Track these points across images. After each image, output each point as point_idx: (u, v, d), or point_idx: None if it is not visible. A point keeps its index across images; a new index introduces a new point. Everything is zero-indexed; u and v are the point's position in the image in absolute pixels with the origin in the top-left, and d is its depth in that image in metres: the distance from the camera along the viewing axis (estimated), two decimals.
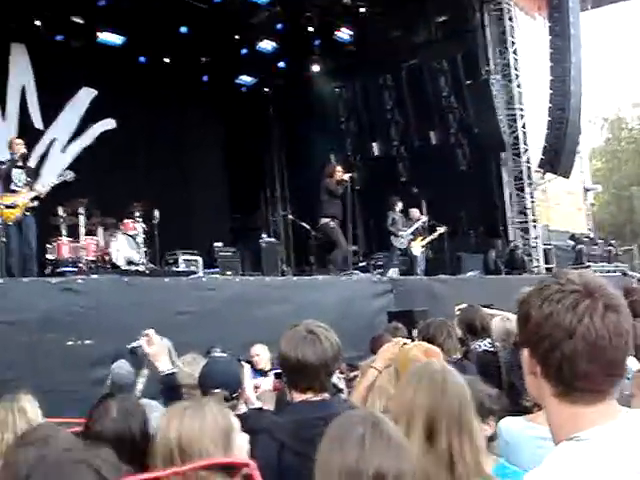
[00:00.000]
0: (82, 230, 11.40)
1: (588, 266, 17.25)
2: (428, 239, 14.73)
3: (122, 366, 4.70)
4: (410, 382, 2.49)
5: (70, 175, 10.40)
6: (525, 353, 1.54)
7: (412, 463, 1.82)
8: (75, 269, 10.56)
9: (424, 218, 14.73)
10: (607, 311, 1.43)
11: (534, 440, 2.93)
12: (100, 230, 11.89)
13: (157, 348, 3.55)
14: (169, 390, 3.48)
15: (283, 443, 2.79)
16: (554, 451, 1.46)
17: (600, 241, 19.94)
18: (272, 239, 15.70)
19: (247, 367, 3.86)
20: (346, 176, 12.43)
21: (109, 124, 16.98)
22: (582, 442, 1.41)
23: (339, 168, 12.59)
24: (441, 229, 14.72)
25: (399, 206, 14.42)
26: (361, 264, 15.98)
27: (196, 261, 13.32)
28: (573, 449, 1.41)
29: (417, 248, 14.44)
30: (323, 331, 2.96)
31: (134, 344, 3.66)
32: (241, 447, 2.34)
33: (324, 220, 12.25)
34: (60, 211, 11.45)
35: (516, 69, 17.95)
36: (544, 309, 1.46)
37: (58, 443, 2.27)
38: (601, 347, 1.42)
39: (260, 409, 3.79)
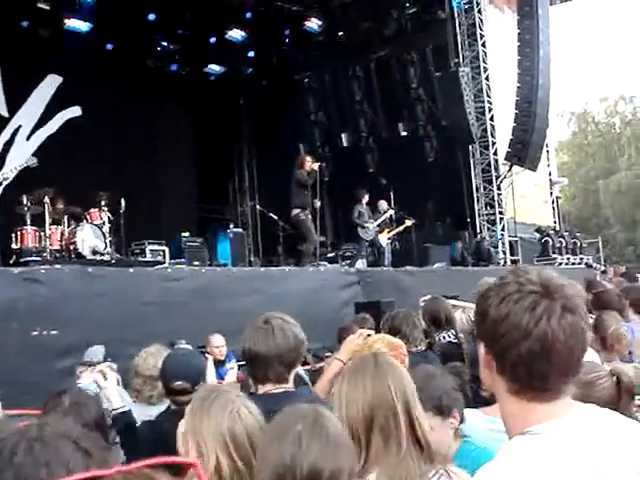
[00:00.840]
0: (47, 219, 11.23)
1: (554, 258, 17.43)
2: (395, 231, 14.77)
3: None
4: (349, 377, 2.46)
5: (33, 161, 10.23)
6: (481, 348, 1.55)
7: (351, 461, 1.82)
8: (39, 259, 10.41)
9: (391, 211, 14.73)
10: (564, 312, 1.44)
11: (493, 434, 2.94)
12: (65, 220, 11.71)
13: (111, 383, 3.51)
14: (124, 427, 3.45)
15: None
16: (507, 445, 1.47)
17: (566, 234, 20.12)
18: (240, 230, 15.63)
19: (210, 359, 3.84)
20: (315, 165, 12.42)
21: (75, 112, 16.76)
22: (535, 436, 1.42)
23: (308, 158, 12.56)
24: (408, 222, 14.76)
25: (365, 198, 14.41)
26: (329, 255, 15.98)
27: (163, 251, 13.22)
28: (526, 443, 1.42)
29: (384, 240, 14.47)
30: (280, 322, 2.97)
31: (86, 384, 3.64)
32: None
33: (294, 211, 12.22)
34: (25, 200, 11.26)
35: (485, 62, 18.03)
36: (502, 309, 1.46)
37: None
38: (557, 349, 1.43)
39: None
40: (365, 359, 2.55)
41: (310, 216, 12.27)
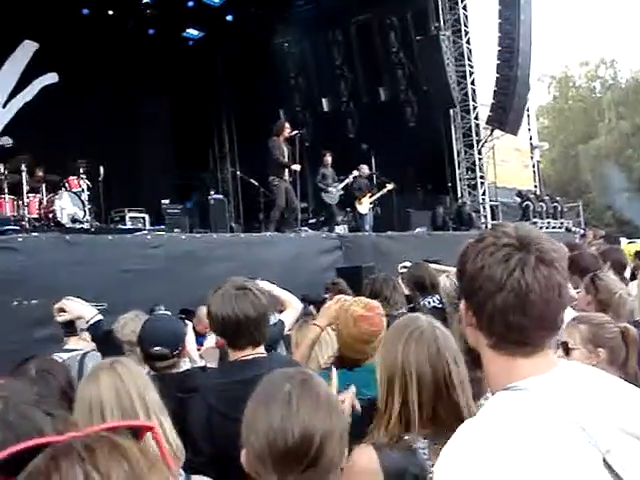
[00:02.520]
0: (25, 188, 11.08)
1: (535, 222, 17.52)
2: (376, 195, 14.72)
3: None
4: (401, 338, 2.40)
5: (8, 142, 10.08)
6: (462, 305, 1.55)
7: (343, 422, 1.79)
8: (18, 228, 10.29)
9: (355, 172, 14.56)
10: (539, 264, 1.43)
11: None
12: (43, 188, 11.57)
13: (71, 306, 3.50)
14: (101, 337, 3.45)
15: (211, 405, 2.79)
16: (490, 400, 1.48)
17: (546, 198, 20.23)
18: (220, 196, 15.52)
19: (190, 325, 3.81)
20: (294, 132, 12.35)
21: (52, 78, 16.52)
22: (518, 392, 1.42)
23: (287, 125, 12.46)
24: (389, 186, 14.70)
25: (329, 160, 14.31)
26: (311, 221, 15.95)
27: (143, 219, 13.13)
28: (509, 399, 1.42)
29: (365, 205, 14.42)
30: (252, 285, 2.97)
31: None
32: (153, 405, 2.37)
33: (270, 177, 12.17)
34: (1, 168, 11.09)
35: (466, 25, 17.95)
36: (477, 262, 1.46)
37: None
38: (531, 300, 1.42)
39: (203, 368, 3.76)
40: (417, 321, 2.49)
41: (288, 182, 12.19)
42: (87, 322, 3.47)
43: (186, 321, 3.89)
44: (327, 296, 6.08)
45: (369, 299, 3.55)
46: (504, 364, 1.48)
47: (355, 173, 14.45)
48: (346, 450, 1.80)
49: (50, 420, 1.26)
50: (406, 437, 2.20)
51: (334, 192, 14.06)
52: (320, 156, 14.43)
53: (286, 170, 12.14)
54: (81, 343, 3.93)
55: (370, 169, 15.12)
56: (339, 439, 1.72)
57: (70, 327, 3.56)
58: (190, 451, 2.73)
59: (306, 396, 1.72)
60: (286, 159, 12.11)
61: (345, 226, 14.35)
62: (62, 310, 3.51)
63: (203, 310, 7.05)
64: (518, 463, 1.30)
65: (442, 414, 2.24)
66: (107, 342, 3.47)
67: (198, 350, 4.13)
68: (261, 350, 3.00)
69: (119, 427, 0.88)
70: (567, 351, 3.13)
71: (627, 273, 6.09)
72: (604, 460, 1.33)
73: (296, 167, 12.27)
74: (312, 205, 18.53)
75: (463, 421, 2.17)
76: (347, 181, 14.33)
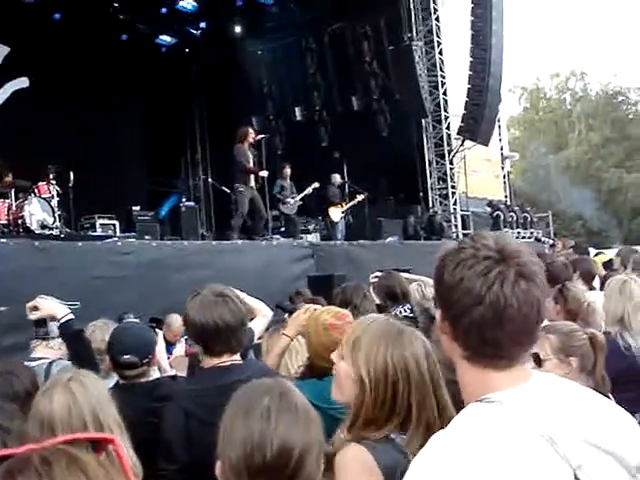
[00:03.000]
0: None
1: (505, 232, 17.62)
2: (348, 205, 14.75)
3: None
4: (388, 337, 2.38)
5: None
6: (438, 314, 1.54)
7: (320, 435, 1.77)
8: None
9: (316, 184, 14.54)
10: (519, 279, 1.42)
11: None
12: (12, 193, 11.44)
13: (44, 304, 3.47)
14: (71, 336, 3.42)
15: (188, 411, 2.76)
16: (463, 412, 1.47)
17: (516, 208, 20.39)
18: (192, 203, 15.47)
19: (160, 334, 3.78)
20: (259, 137, 12.30)
21: (23, 83, 16.35)
22: (491, 404, 1.41)
23: (251, 130, 12.36)
24: (361, 196, 14.73)
25: (287, 172, 14.31)
26: (282, 229, 15.93)
27: (113, 225, 13.03)
28: (482, 410, 1.41)
29: (337, 214, 14.44)
30: (231, 292, 2.97)
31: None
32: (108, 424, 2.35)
33: (235, 185, 12.12)
34: None
35: (438, 36, 18.08)
36: (456, 274, 1.45)
37: None
38: (509, 315, 1.41)
39: (173, 377, 3.73)
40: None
41: (254, 190, 12.11)
42: (58, 320, 3.43)
43: (156, 330, 3.86)
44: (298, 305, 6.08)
45: (339, 307, 3.55)
46: (478, 376, 1.47)
47: (315, 185, 14.42)
48: (322, 464, 1.78)
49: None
50: (392, 435, 2.20)
51: (292, 202, 14.01)
52: (280, 168, 14.39)
53: (252, 177, 12.04)
54: (48, 351, 3.88)
55: (342, 178, 15.15)
56: (317, 453, 1.71)
57: (42, 326, 3.53)
58: (163, 459, 2.71)
59: (285, 410, 1.70)
60: (251, 165, 12.02)
61: (317, 234, 14.35)
62: (35, 308, 3.48)
63: (173, 318, 7.02)
64: (488, 477, 1.29)
65: (429, 414, 2.23)
66: (77, 341, 3.44)
67: (168, 359, 4.09)
68: (237, 357, 2.99)
69: (78, 439, 0.86)
70: (539, 362, 3.14)
71: (596, 283, 6.16)
72: (575, 475, 1.33)
73: (263, 173, 12.22)
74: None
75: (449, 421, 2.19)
76: (306, 192, 14.30)
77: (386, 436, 2.18)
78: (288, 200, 13.95)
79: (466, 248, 1.47)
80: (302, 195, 14.24)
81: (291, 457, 1.64)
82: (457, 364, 1.53)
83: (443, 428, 1.46)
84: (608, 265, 8.68)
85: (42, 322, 3.53)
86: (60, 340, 3.73)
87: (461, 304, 1.43)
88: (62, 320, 3.44)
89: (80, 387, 2.38)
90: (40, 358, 3.90)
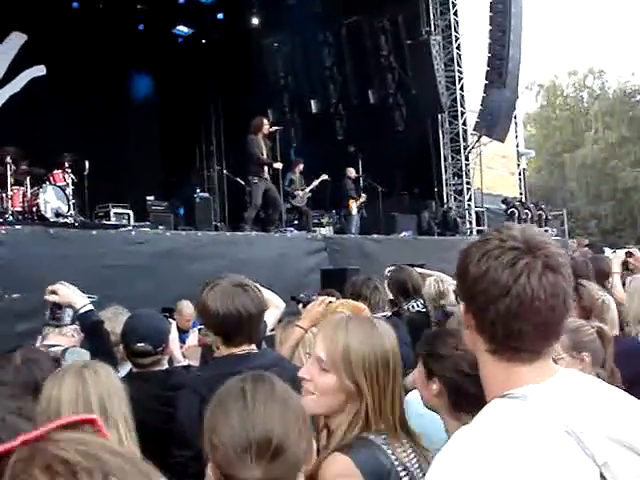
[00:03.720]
0: (9, 180, 10.98)
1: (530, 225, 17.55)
2: (360, 200, 14.73)
3: None
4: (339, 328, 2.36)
5: None
6: (461, 307, 1.51)
7: (299, 418, 1.74)
8: (1, 220, 10.20)
9: (324, 176, 14.53)
10: (546, 270, 1.39)
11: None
12: (28, 181, 11.47)
13: (64, 291, 3.45)
14: (90, 327, 3.40)
15: (204, 397, 2.75)
16: (486, 407, 1.44)
17: (531, 205, 20.30)
18: (206, 194, 15.46)
19: (173, 323, 3.77)
20: (273, 129, 12.26)
21: (40, 71, 16.40)
22: (515, 400, 1.39)
23: (265, 121, 12.26)
24: (323, 176, 14.60)
25: (300, 167, 14.29)
26: (296, 222, 15.92)
27: (127, 215, 13.04)
28: (505, 406, 1.39)
29: (354, 207, 14.43)
30: (249, 282, 2.96)
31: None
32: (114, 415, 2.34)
33: (249, 176, 12.09)
34: None
35: (456, 31, 17.99)
36: (481, 265, 1.42)
37: None
38: (536, 307, 1.38)
39: (187, 367, 3.72)
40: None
41: (268, 181, 12.06)
42: (77, 311, 3.42)
43: (170, 320, 3.84)
44: (316, 298, 6.06)
45: (355, 301, 3.53)
46: (502, 370, 1.44)
47: (323, 177, 14.42)
48: (313, 440, 1.76)
49: None
50: (371, 436, 2.17)
51: (301, 195, 14.00)
52: (294, 163, 14.35)
53: (265, 168, 11.98)
54: (61, 339, 3.87)
55: (357, 172, 15.12)
56: (299, 430, 1.68)
57: (56, 312, 3.50)
58: (177, 446, 2.69)
59: (260, 392, 1.69)
60: (265, 156, 11.95)
61: (330, 228, 14.33)
62: (54, 293, 3.46)
63: (184, 304, 7.04)
64: (513, 474, 1.27)
65: (387, 410, 2.21)
66: (96, 333, 3.42)
67: (180, 348, 4.08)
68: (254, 347, 2.99)
69: (60, 425, 0.84)
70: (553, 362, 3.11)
71: (614, 281, 6.10)
72: (600, 473, 1.31)
73: (277, 165, 12.17)
74: None
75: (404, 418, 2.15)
76: (314, 184, 14.29)
77: (368, 439, 2.16)
78: (297, 193, 13.94)
79: (492, 239, 1.44)
80: (311, 187, 14.22)
81: (272, 437, 1.61)
82: (480, 358, 1.50)
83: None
84: (623, 264, 8.62)
85: (57, 307, 3.51)
86: (73, 327, 3.72)
87: (487, 295, 1.40)
88: (81, 310, 3.42)
89: (93, 375, 2.37)
90: (53, 345, 3.89)
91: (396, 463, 2.15)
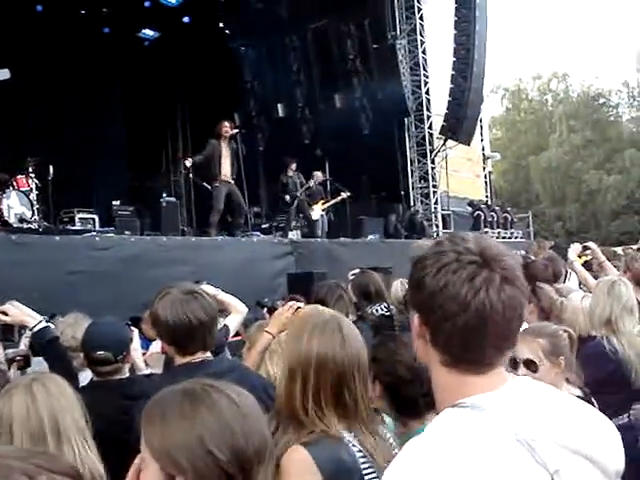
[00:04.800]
0: None
1: (486, 232, 17.69)
2: (330, 203, 14.73)
3: None
4: (304, 331, 2.38)
5: None
6: (415, 318, 1.49)
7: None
8: None
9: (319, 176, 14.56)
10: (504, 284, 1.39)
11: None
12: None
13: (14, 311, 3.39)
14: (45, 346, 3.35)
15: None
16: (438, 417, 1.44)
17: (497, 208, 20.46)
18: (173, 199, 15.37)
19: (135, 331, 3.74)
20: (234, 131, 12.22)
21: (4, 75, 16.14)
22: (467, 409, 1.39)
23: (226, 124, 12.20)
24: (344, 194, 14.70)
25: (293, 167, 14.27)
26: (263, 226, 15.88)
27: (93, 220, 12.91)
28: (456, 415, 1.39)
29: (317, 211, 14.40)
30: (199, 289, 2.96)
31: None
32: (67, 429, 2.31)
33: (211, 181, 12.05)
34: None
35: (422, 35, 18.11)
36: (439, 279, 1.40)
37: None
38: (494, 321, 1.39)
39: (148, 375, 3.69)
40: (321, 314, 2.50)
41: (231, 185, 12.00)
42: (30, 329, 3.36)
43: (132, 328, 3.81)
44: (280, 303, 6.03)
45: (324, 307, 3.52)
46: (455, 381, 1.44)
47: (319, 176, 14.44)
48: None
49: None
50: (333, 431, 2.19)
51: (295, 197, 13.98)
52: (285, 164, 14.32)
53: (226, 172, 11.92)
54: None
55: (324, 175, 15.13)
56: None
57: (8, 333, 3.44)
58: (134, 456, 2.66)
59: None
60: (223, 160, 11.88)
61: (298, 232, 14.32)
62: (4, 314, 3.40)
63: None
64: None
65: (350, 406, 2.25)
66: (52, 350, 3.35)
67: (143, 354, 4.05)
68: (209, 354, 2.98)
69: None
70: (534, 368, 3.14)
71: (575, 267, 6.21)
72: None
73: (187, 162, 12.14)
74: (265, 210, 18.50)
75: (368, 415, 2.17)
76: (307, 185, 14.26)
77: (332, 434, 2.19)
78: (292, 194, 13.92)
79: (447, 251, 1.43)
80: (304, 188, 14.17)
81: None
82: (432, 369, 1.49)
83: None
84: (587, 266, 8.72)
85: (9, 328, 3.44)
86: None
87: (444, 310, 1.39)
88: (35, 329, 3.36)
89: (42, 389, 2.33)
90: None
91: (362, 460, 2.17)
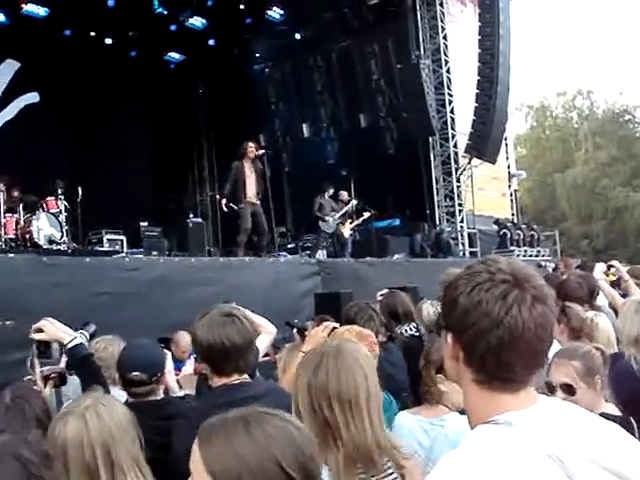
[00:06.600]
0: (2, 208, 10.99)
1: (512, 250, 17.58)
2: (356, 222, 14.75)
3: None
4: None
5: None
6: (449, 338, 1.52)
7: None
8: None
9: (354, 202, 14.66)
10: (535, 302, 1.43)
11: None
12: (21, 208, 11.47)
13: (50, 328, 3.42)
14: (79, 363, 3.37)
15: (197, 427, 2.74)
16: (471, 434, 1.46)
17: (523, 226, 20.32)
18: (199, 219, 15.49)
19: (169, 354, 3.77)
20: (260, 152, 12.25)
21: (33, 98, 16.47)
22: (500, 425, 1.41)
23: (251, 144, 12.22)
24: (367, 214, 14.72)
25: (330, 192, 14.32)
26: (289, 246, 15.93)
27: (120, 240, 13.04)
28: (490, 432, 1.41)
29: (346, 231, 14.44)
30: (239, 312, 2.97)
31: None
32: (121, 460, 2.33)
33: (237, 202, 12.06)
34: None
35: (446, 54, 18.14)
36: (473, 297, 1.44)
37: None
38: (526, 339, 1.42)
39: (182, 397, 3.72)
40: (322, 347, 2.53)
41: (256, 206, 12.00)
42: (65, 346, 3.39)
43: (165, 350, 3.84)
44: (309, 323, 6.02)
45: (361, 328, 3.51)
46: (488, 399, 1.47)
47: (353, 203, 14.48)
48: None
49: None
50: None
51: (331, 221, 14.03)
52: (322, 187, 14.38)
53: (252, 193, 11.92)
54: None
55: (349, 195, 15.16)
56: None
57: (44, 350, 3.46)
58: (171, 478, 2.68)
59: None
60: (248, 181, 11.87)
61: (324, 251, 14.34)
62: (40, 330, 3.43)
63: (181, 335, 6.99)
64: None
65: (349, 441, 2.24)
66: (85, 367, 3.37)
67: (176, 375, 4.08)
68: (246, 377, 3.00)
69: None
70: (572, 392, 3.12)
71: (602, 285, 6.16)
72: None
73: (224, 204, 12.13)
74: (291, 230, 18.55)
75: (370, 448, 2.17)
76: (345, 209, 14.33)
77: None
78: (328, 218, 13.96)
79: (480, 272, 1.47)
80: (341, 213, 14.28)
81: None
82: (465, 388, 1.52)
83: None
84: (616, 284, 8.64)
85: (44, 344, 3.46)
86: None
87: (477, 327, 1.43)
88: (69, 345, 3.39)
89: (94, 417, 2.35)
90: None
91: None
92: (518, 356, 1.42)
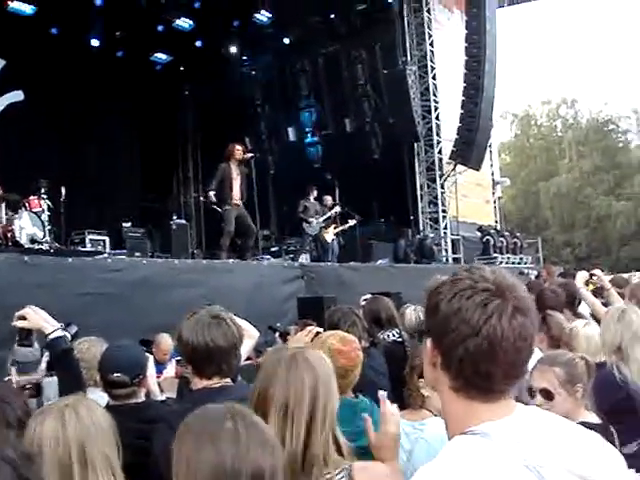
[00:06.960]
0: None
1: (495, 257, 17.65)
2: (340, 228, 14.74)
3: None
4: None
5: None
6: (428, 343, 1.53)
7: (282, 457, 1.75)
8: None
9: (338, 208, 14.64)
10: (516, 313, 1.44)
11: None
12: (3, 207, 11.37)
13: (33, 316, 3.38)
14: (59, 354, 3.33)
15: None
16: (448, 445, 1.47)
17: (506, 233, 20.38)
18: (183, 221, 15.42)
19: (151, 358, 3.75)
20: (248, 155, 12.23)
21: (18, 96, 16.28)
22: (477, 436, 1.41)
23: (238, 147, 12.19)
24: (352, 221, 14.70)
25: (314, 194, 14.31)
26: (273, 249, 15.90)
27: (103, 241, 12.95)
28: (467, 443, 1.42)
29: (329, 235, 14.42)
30: (226, 315, 2.96)
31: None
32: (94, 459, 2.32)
33: (221, 204, 12.02)
34: None
35: (432, 61, 18.22)
36: (453, 303, 1.45)
37: None
38: (504, 348, 1.42)
39: (163, 401, 3.70)
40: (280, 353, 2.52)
41: (240, 208, 11.97)
42: (46, 336, 3.35)
43: (147, 353, 3.82)
44: (292, 328, 6.02)
45: (345, 333, 3.51)
46: (465, 408, 1.47)
47: (337, 209, 14.47)
48: None
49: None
50: None
51: (315, 224, 14.00)
52: (307, 189, 14.36)
53: (236, 195, 11.89)
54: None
55: (334, 200, 15.16)
56: (281, 473, 1.69)
57: (25, 338, 3.41)
58: None
59: (252, 433, 1.66)
60: (234, 183, 11.85)
61: (307, 255, 14.33)
62: (23, 318, 3.39)
63: (162, 337, 6.96)
64: None
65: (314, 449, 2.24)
66: (65, 360, 3.33)
67: (157, 378, 4.06)
68: (228, 380, 2.99)
69: None
70: (550, 397, 3.14)
71: (583, 294, 6.20)
72: None
73: (211, 196, 12.01)
74: (275, 233, 18.53)
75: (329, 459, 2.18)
76: (329, 214, 14.30)
77: None
78: (311, 220, 13.94)
79: (463, 279, 1.48)
80: (325, 217, 14.23)
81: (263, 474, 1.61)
82: (442, 395, 1.53)
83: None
84: (598, 293, 8.68)
85: (26, 332, 3.42)
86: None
87: (456, 334, 1.43)
88: (50, 336, 3.35)
89: (73, 416, 2.34)
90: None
91: None
92: (496, 365, 1.43)
